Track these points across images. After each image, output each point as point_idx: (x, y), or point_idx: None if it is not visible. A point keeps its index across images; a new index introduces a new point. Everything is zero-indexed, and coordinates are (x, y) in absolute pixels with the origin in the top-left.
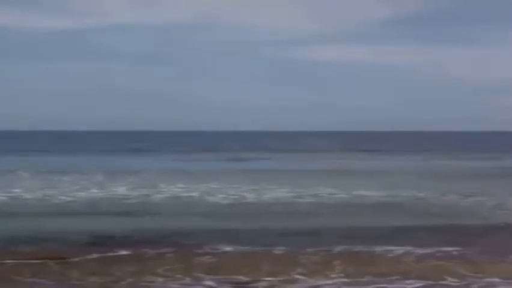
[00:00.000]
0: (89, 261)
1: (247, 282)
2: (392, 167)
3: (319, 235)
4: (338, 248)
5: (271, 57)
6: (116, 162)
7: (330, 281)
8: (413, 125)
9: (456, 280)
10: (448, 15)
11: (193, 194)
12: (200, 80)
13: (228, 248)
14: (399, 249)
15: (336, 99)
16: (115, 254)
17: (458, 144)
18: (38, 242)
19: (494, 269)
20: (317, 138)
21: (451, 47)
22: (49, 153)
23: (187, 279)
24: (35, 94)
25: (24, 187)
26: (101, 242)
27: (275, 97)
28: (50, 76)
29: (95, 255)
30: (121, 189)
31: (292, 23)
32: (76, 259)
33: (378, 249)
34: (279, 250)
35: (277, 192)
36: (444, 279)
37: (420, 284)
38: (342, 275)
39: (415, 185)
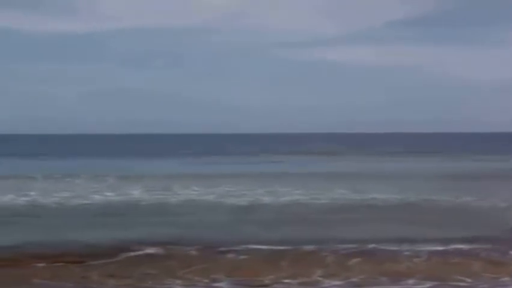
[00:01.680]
0: (108, 264)
1: (266, 285)
2: (403, 169)
3: (337, 236)
4: (357, 248)
5: (281, 59)
6: (128, 165)
7: (348, 283)
8: (419, 126)
9: (470, 280)
10: (452, 16)
11: (208, 197)
12: (209, 83)
13: (252, 247)
14: (416, 250)
15: (345, 100)
16: (134, 256)
17: (464, 146)
18: (57, 245)
19: (508, 269)
20: (328, 140)
21: (456, 48)
22: (57, 157)
23: (205, 282)
24: (36, 96)
25: (39, 190)
26: (121, 244)
27: (285, 99)
28: (53, 78)
29: (114, 258)
30: (135, 192)
31: (302, 25)
32: (95, 262)
33: (396, 249)
34: (300, 250)
35: (293, 195)
36: (459, 280)
37: (437, 283)
38: (362, 276)
39: (427, 187)
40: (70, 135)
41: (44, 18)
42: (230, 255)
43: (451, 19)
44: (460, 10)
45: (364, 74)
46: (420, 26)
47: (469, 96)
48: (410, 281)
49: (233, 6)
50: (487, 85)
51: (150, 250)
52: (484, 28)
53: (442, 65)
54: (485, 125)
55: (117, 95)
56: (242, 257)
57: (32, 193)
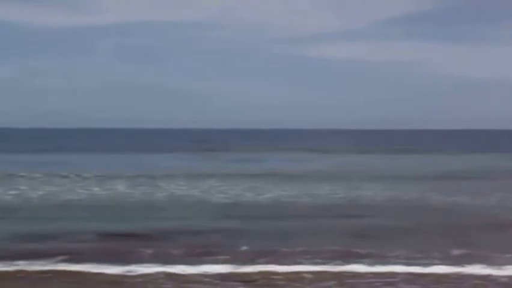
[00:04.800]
0: (96, 257)
1: (254, 280)
2: (396, 167)
3: (321, 234)
4: (339, 249)
5: (279, 54)
6: (122, 160)
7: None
8: (416, 124)
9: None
10: (455, 13)
11: (193, 192)
12: (207, 78)
13: (239, 247)
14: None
15: (345, 96)
16: (120, 250)
17: (458, 143)
18: (44, 239)
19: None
20: (326, 137)
21: (455, 45)
22: (47, 152)
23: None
24: (35, 91)
25: (27, 186)
26: (106, 239)
27: (284, 95)
28: (52, 73)
29: (102, 252)
30: (121, 187)
31: (300, 22)
32: (82, 256)
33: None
34: (285, 248)
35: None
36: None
37: None
38: (352, 273)
39: (419, 187)
40: (67, 130)
41: (36, 10)
42: (213, 253)
43: (449, 16)
44: (459, 7)
45: (363, 70)
46: (419, 23)
47: (467, 94)
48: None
49: (231, 1)
50: (488, 83)
51: (135, 247)
52: (486, 26)
53: (441, 62)
54: (483, 123)
55: (113, 90)
56: (227, 255)
57: (23, 187)
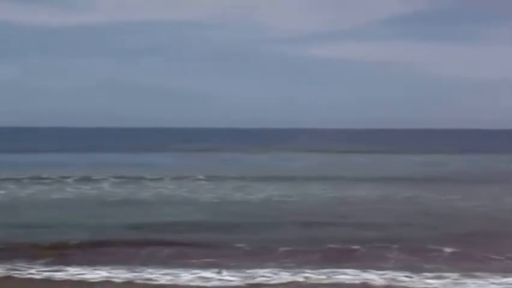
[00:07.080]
0: (85, 255)
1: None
2: (391, 168)
3: (311, 237)
4: (329, 250)
5: (279, 55)
6: (116, 160)
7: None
8: (410, 123)
9: None
10: (450, 13)
11: (181, 192)
12: (211, 78)
13: (228, 249)
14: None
15: (342, 96)
16: (110, 249)
17: (450, 143)
18: (36, 235)
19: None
20: (323, 137)
21: (449, 45)
22: (39, 151)
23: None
24: (35, 91)
25: (16, 185)
26: (95, 236)
27: (282, 95)
28: (53, 72)
29: (89, 250)
30: (105, 185)
31: (293, 22)
32: (71, 253)
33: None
34: (281, 249)
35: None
36: None
37: None
38: (348, 276)
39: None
40: (66, 129)
41: (36, 10)
42: (201, 256)
43: (444, 17)
44: (454, 8)
45: (359, 70)
46: (414, 23)
47: (462, 93)
48: None
49: (226, 2)
50: (483, 83)
51: (127, 246)
52: (480, 26)
53: (435, 62)
54: (480, 123)
55: (112, 89)
56: (221, 255)
57: (12, 186)
